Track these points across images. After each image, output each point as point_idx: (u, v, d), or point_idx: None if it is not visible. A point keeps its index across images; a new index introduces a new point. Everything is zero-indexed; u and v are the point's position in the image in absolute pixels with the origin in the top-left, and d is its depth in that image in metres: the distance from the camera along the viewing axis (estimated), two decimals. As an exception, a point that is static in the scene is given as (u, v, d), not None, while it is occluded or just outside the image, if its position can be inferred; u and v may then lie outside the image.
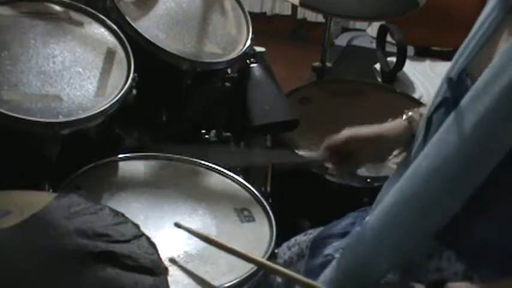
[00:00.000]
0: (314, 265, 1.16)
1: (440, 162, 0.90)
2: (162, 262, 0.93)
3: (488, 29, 0.93)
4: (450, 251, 0.96)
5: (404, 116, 1.16)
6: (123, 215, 0.99)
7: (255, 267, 1.12)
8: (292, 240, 1.27)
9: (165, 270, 0.92)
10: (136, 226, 0.97)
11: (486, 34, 0.93)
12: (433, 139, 0.94)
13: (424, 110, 1.09)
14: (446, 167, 0.90)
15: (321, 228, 1.25)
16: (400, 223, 0.96)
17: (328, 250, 1.15)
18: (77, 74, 1.35)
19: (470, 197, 0.88)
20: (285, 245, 1.27)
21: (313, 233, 1.25)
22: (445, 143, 0.91)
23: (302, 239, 1.24)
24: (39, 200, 0.99)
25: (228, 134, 1.79)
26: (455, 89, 0.94)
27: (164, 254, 1.00)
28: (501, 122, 0.85)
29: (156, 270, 0.90)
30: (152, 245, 0.94)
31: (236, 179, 1.38)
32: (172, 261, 1.11)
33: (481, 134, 0.86)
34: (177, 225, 1.15)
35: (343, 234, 1.17)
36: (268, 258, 1.16)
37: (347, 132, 1.19)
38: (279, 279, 1.22)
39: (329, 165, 1.22)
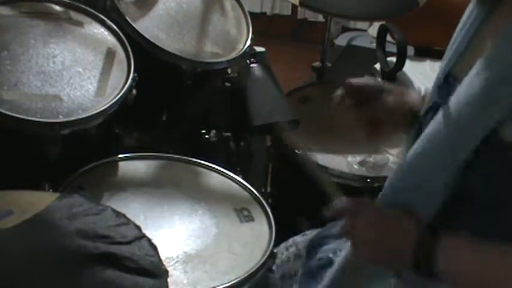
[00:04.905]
0: (311, 266, 1.16)
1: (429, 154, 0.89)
2: (162, 264, 0.93)
3: (470, 31, 0.92)
4: None
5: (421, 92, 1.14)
6: (124, 216, 0.99)
7: (255, 267, 1.12)
8: (290, 240, 1.27)
9: (165, 272, 0.92)
10: (138, 228, 0.98)
11: (468, 36, 0.92)
12: (421, 137, 0.92)
13: None
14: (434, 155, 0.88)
15: (318, 229, 1.25)
16: None
17: (323, 253, 1.15)
18: (77, 74, 1.35)
19: (457, 188, 0.87)
20: (282, 245, 1.27)
21: (310, 234, 1.25)
22: (433, 137, 0.89)
23: (299, 240, 1.24)
24: (41, 200, 0.99)
25: (228, 134, 1.79)
26: (443, 93, 0.93)
27: (164, 254, 1.00)
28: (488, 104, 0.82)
29: (156, 272, 0.90)
30: (153, 246, 0.94)
31: (236, 179, 1.38)
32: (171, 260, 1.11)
33: (468, 119, 0.84)
34: None
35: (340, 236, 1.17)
36: (267, 258, 1.17)
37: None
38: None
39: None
